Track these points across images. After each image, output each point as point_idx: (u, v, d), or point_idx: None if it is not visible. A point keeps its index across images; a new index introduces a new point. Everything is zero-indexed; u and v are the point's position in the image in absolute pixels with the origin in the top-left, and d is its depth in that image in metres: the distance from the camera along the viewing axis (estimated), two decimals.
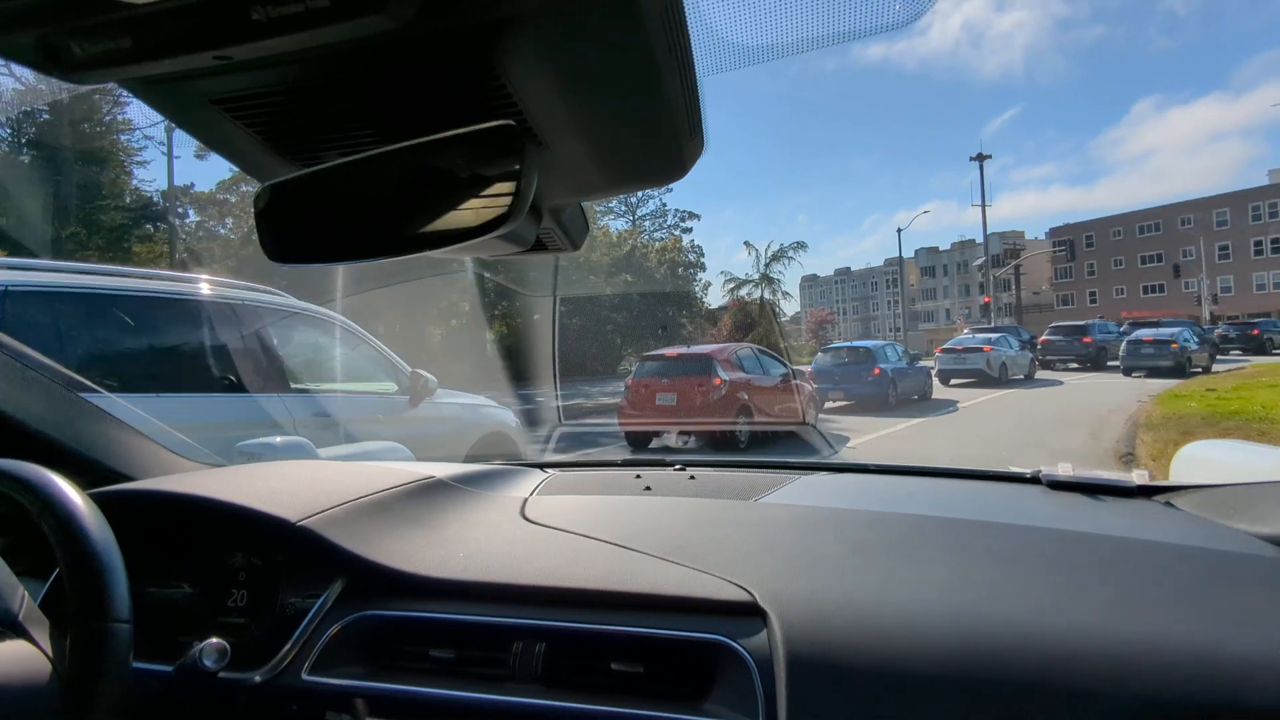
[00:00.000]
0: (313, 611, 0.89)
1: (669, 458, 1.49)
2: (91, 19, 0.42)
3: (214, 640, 0.79)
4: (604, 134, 0.54)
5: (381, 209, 0.54)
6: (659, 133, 0.54)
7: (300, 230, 0.57)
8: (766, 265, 41.17)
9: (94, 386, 1.24)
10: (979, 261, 42.00)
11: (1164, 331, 19.54)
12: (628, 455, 2.25)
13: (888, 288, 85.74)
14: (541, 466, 1.47)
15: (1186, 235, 52.45)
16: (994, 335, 18.72)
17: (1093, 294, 57.99)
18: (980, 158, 39.18)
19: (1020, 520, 0.97)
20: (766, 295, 41.55)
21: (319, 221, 0.57)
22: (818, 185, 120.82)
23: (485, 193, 0.50)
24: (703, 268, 44.22)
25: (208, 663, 0.77)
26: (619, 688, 0.76)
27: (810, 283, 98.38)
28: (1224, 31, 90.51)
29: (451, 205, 0.52)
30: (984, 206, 40.43)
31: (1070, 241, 35.95)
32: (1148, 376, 17.05)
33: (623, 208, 42.88)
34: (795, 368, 10.35)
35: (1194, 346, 18.67)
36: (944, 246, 78.41)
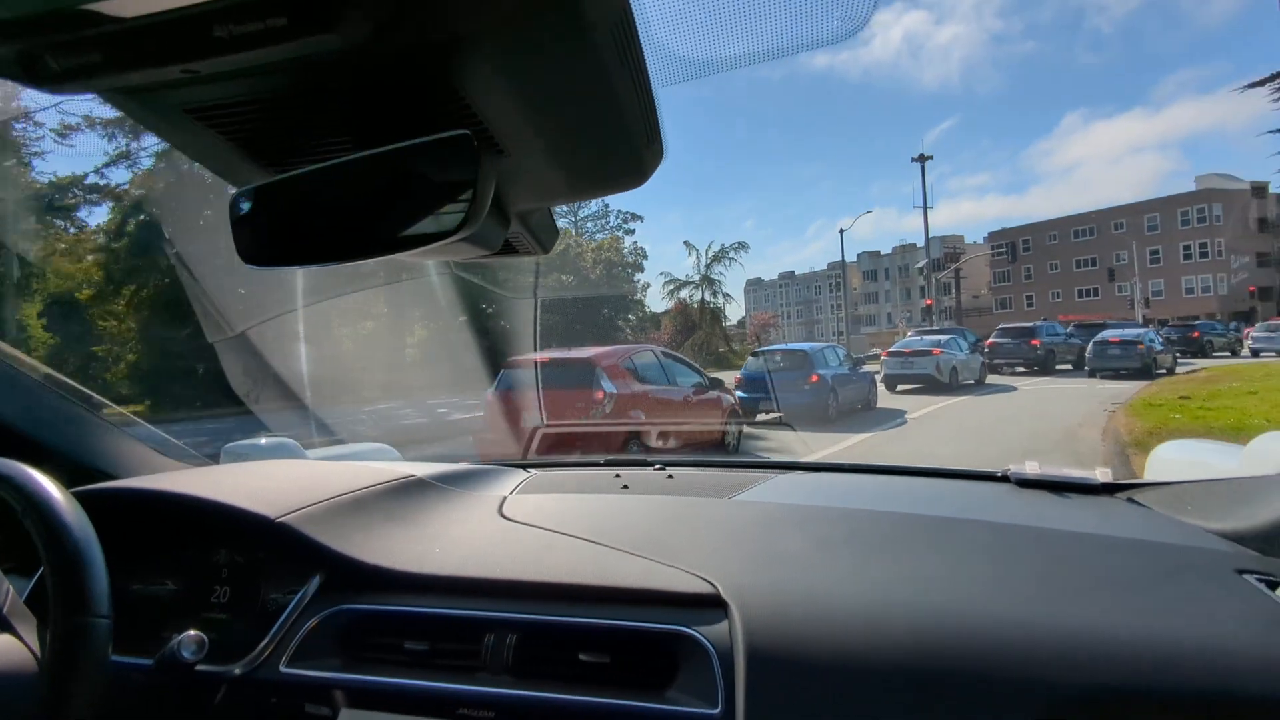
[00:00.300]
0: (291, 606, 0.91)
1: (650, 458, 1.52)
2: (66, 34, 0.45)
3: (192, 632, 0.79)
4: (563, 142, 0.56)
5: (350, 213, 0.56)
6: (617, 141, 0.56)
7: (273, 234, 0.58)
8: (707, 266, 39.67)
9: (78, 387, 1.24)
10: (920, 264, 41.51)
11: (1130, 332, 19.31)
12: (610, 455, 1.74)
13: (830, 291, 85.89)
14: (524, 466, 1.48)
15: (1119, 240, 53.09)
16: (943, 337, 17.39)
17: (1030, 297, 58.39)
18: (921, 158, 38.38)
19: (986, 517, 1.00)
20: (707, 297, 39.97)
21: (291, 225, 0.58)
22: (764, 191, 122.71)
23: (446, 199, 0.52)
24: (642, 269, 42.65)
25: (186, 654, 0.76)
26: (587, 677, 0.78)
27: (755, 286, 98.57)
28: (1145, 50, 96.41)
29: (415, 210, 0.54)
30: (925, 208, 39.61)
31: (1010, 244, 35.43)
32: (1113, 378, 16.71)
33: (564, 208, 42.05)
34: (713, 376, 8.31)
35: (1159, 348, 18.41)
36: (885, 250, 78.98)
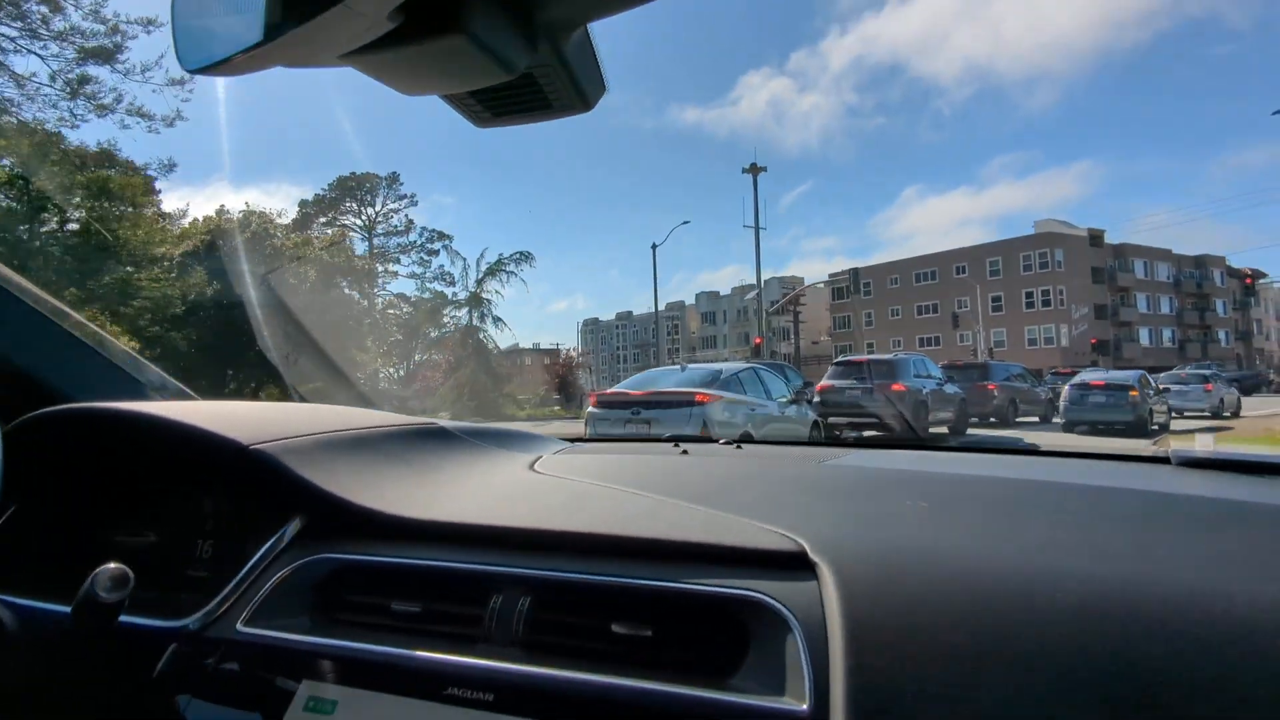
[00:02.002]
0: (260, 553, 0.77)
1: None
2: None
3: (111, 565, 0.65)
4: None
5: None
6: None
7: (214, 22, 0.46)
8: (479, 282, 29.84)
9: (79, 319, 1.09)
10: (750, 295, 35.47)
11: (1118, 376, 15.54)
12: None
13: (668, 334, 79.24)
14: (571, 440, 1.30)
15: (962, 284, 49.02)
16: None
17: (870, 345, 53.17)
18: (754, 169, 30.83)
19: (1139, 486, 0.85)
20: (475, 321, 29.84)
21: (234, 8, 0.44)
22: (629, 242, 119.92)
23: None
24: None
25: (102, 593, 0.63)
26: (621, 656, 0.60)
27: (592, 326, 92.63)
28: (976, 134, 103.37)
29: None
30: (756, 227, 31.87)
31: (855, 270, 28.30)
32: (1093, 434, 14.20)
33: (360, 222, 37.93)
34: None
35: (1152, 396, 15.04)
36: (725, 291, 73.51)
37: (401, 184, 41.95)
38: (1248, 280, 36.06)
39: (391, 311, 31.65)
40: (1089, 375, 15.98)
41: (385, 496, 0.81)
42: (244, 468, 0.81)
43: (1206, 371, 20.40)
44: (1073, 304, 46.44)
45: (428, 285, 38.79)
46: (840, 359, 13.42)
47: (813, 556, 0.61)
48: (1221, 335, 55.50)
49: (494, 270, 29.63)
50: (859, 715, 0.49)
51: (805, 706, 0.52)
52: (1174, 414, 16.92)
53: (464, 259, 33.72)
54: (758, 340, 34.64)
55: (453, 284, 43.45)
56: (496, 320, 30.27)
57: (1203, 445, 0.99)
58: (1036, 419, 17.25)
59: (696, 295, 76.41)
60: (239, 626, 0.72)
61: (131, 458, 0.91)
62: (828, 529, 0.65)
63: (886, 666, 0.51)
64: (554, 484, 0.88)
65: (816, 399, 11.68)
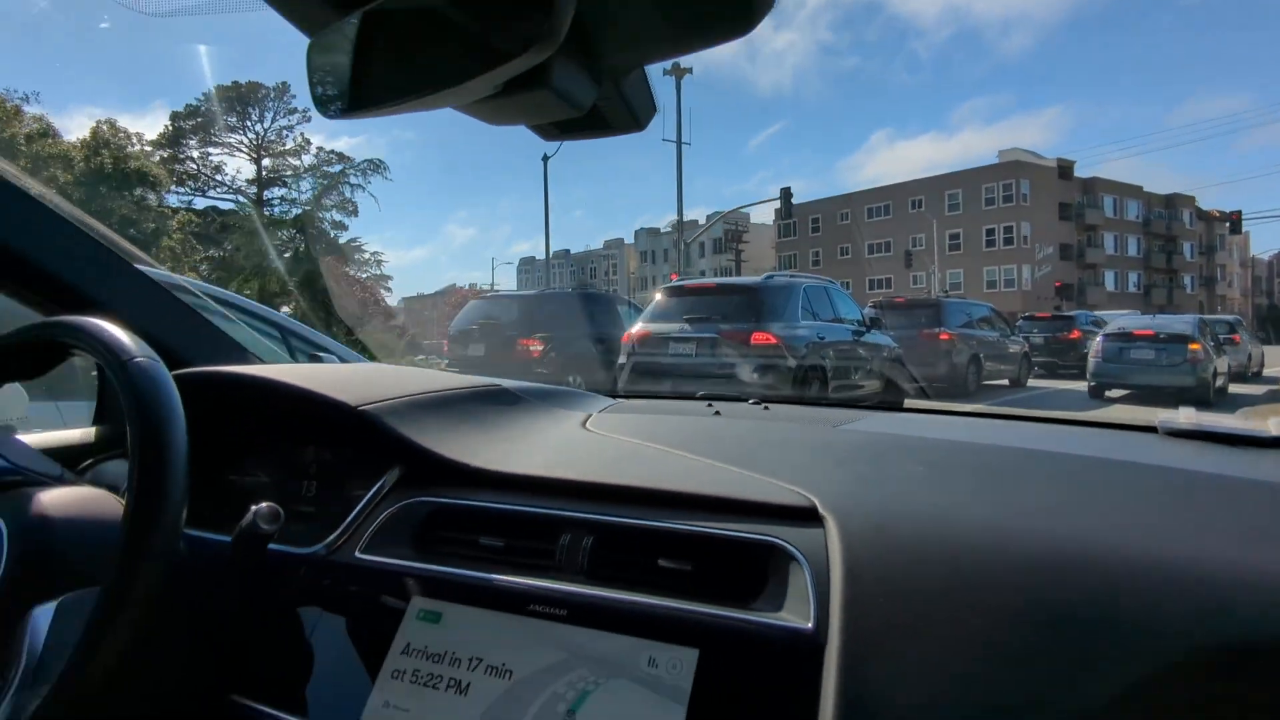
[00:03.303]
0: (368, 496, 0.91)
1: (745, 393, 1.42)
2: None
3: (265, 504, 0.77)
4: None
5: (427, 47, 0.53)
6: None
7: (345, 79, 0.56)
8: (315, 198, 23.58)
9: (185, 285, 1.33)
10: (668, 221, 30.15)
11: (1171, 322, 10.86)
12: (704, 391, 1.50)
13: (607, 274, 73.32)
14: (612, 394, 1.43)
15: (918, 220, 44.01)
16: None
17: None
18: (677, 70, 24.66)
19: (1127, 458, 0.89)
20: (308, 248, 23.59)
21: (363, 69, 0.55)
22: (592, 183, 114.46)
23: (521, 18, 0.47)
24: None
25: (262, 525, 0.76)
26: (665, 584, 0.73)
27: (528, 265, 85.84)
28: (949, 77, 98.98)
29: (487, 31, 0.50)
30: (679, 142, 25.91)
31: (786, 191, 22.69)
32: (1132, 400, 10.26)
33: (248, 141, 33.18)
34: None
35: (1212, 350, 10.38)
36: (665, 229, 67.56)
37: (294, 95, 35.40)
38: (1235, 217, 31.56)
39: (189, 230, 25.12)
40: (1128, 321, 11.20)
41: (467, 450, 0.92)
42: (352, 425, 0.93)
43: (1230, 319, 15.47)
44: (1037, 243, 41.83)
45: (325, 214, 33.49)
46: (669, 284, 7.88)
47: (821, 511, 0.72)
48: (1187, 281, 51.87)
49: (333, 183, 23.49)
50: (849, 633, 0.61)
51: (809, 625, 0.64)
52: None
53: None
54: (673, 276, 29.30)
55: (355, 213, 37.70)
56: (338, 244, 24.15)
57: (1186, 417, 1.02)
58: (1006, 382, 12.22)
59: (635, 232, 70.36)
60: (357, 554, 0.85)
61: (252, 413, 1.04)
62: (835, 488, 0.76)
63: (874, 599, 0.62)
64: (606, 442, 1.01)
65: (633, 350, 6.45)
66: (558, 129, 0.63)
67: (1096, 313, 17.47)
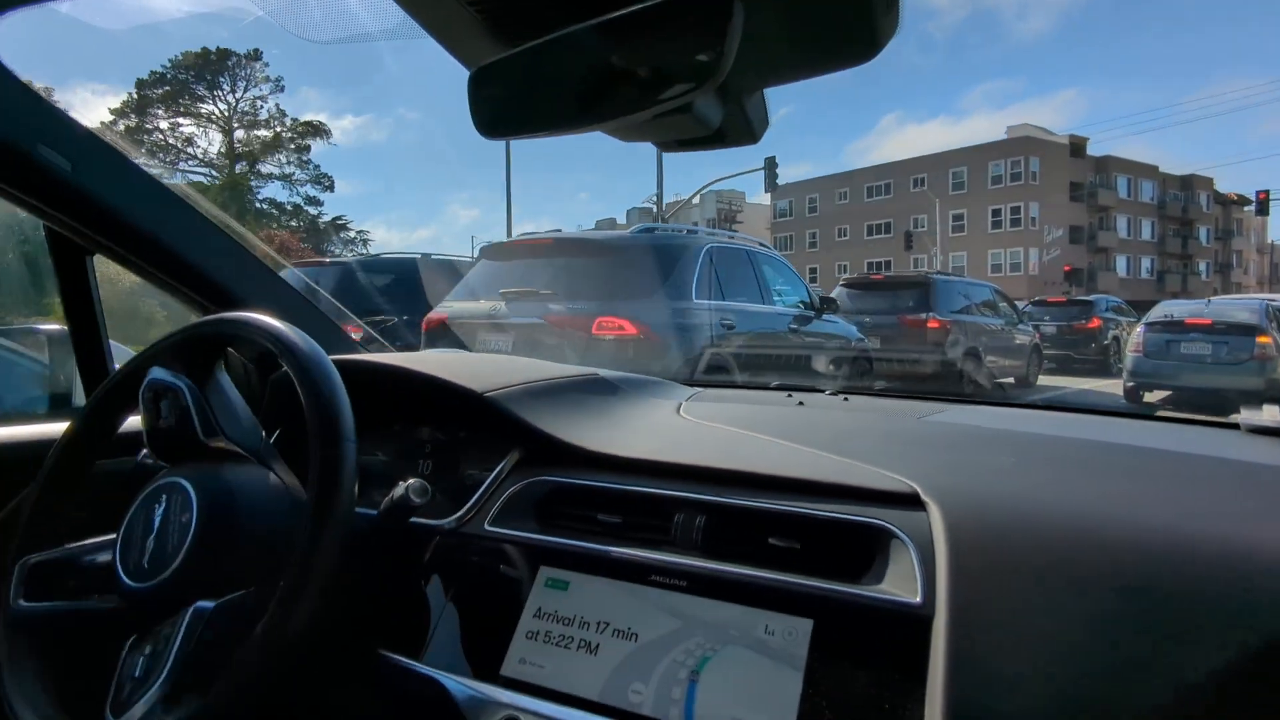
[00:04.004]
0: (494, 474, 0.97)
1: (822, 384, 1.46)
2: None
3: (415, 479, 0.82)
4: (796, 1, 0.54)
5: (585, 79, 0.58)
6: (851, 4, 0.53)
7: (510, 105, 0.62)
8: (250, 166, 21.22)
9: (308, 280, 1.57)
10: (647, 200, 28.23)
11: (1230, 308, 8.50)
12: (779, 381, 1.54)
13: None
14: (690, 384, 1.46)
15: (920, 200, 41.40)
16: None
17: (814, 270, 45.76)
18: None
19: (1211, 453, 0.94)
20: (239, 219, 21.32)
21: (525, 96, 0.61)
22: (603, 168, 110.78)
23: (689, 53, 0.52)
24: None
25: (414, 498, 0.81)
26: (777, 560, 0.77)
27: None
28: (963, 60, 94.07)
29: (652, 70, 0.55)
30: None
31: (771, 160, 20.21)
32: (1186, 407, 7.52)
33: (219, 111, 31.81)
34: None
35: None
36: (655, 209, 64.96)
37: (266, 64, 33.08)
38: (1262, 196, 29.05)
39: None
40: (1177, 307, 8.73)
41: (580, 434, 0.98)
42: (477, 409, 1.00)
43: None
44: (1047, 224, 39.31)
45: (299, 189, 31.30)
46: (491, 244, 5.67)
47: (924, 497, 0.76)
48: (1202, 267, 49.28)
49: (267, 148, 21.19)
50: (957, 607, 0.64)
51: (918, 599, 0.67)
52: None
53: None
54: None
55: (331, 188, 35.40)
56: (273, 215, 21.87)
57: (1270, 414, 1.04)
58: (1012, 380, 9.95)
59: (627, 212, 67.78)
60: (486, 526, 0.90)
61: (378, 397, 1.05)
62: (935, 476, 0.79)
63: (978, 577, 0.66)
64: (705, 429, 1.05)
65: None
66: (678, 144, 0.66)
67: (1115, 298, 15.06)
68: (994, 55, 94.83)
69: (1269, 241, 58.90)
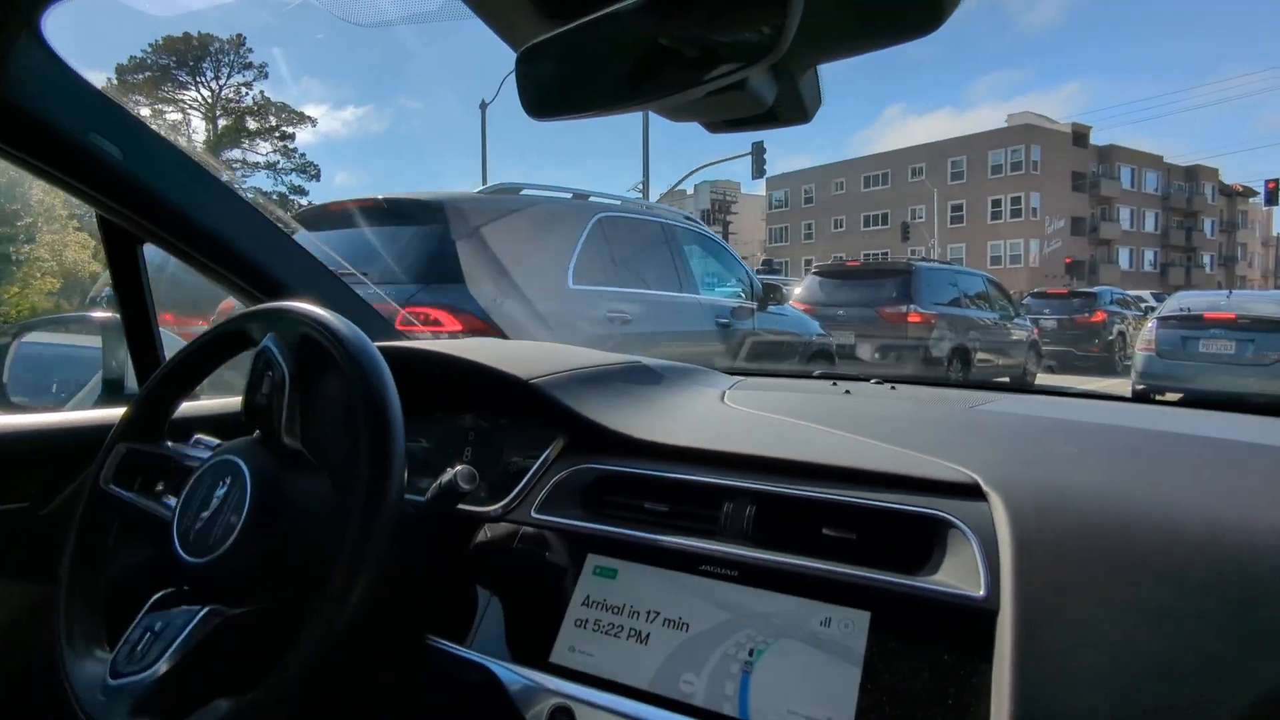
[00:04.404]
0: (539, 461, 0.96)
1: (867, 373, 1.43)
2: None
3: (463, 466, 0.82)
4: None
5: (635, 57, 0.56)
6: None
7: (555, 86, 0.60)
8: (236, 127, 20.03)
9: (353, 271, 1.54)
10: (633, 187, 27.19)
11: (1254, 302, 7.38)
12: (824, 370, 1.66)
13: None
14: (730, 373, 1.41)
15: (918, 190, 40.30)
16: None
17: (809, 261, 44.64)
18: None
19: (1275, 442, 0.89)
20: None
21: (574, 76, 0.59)
22: (609, 156, 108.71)
23: (746, 27, 0.49)
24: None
25: (462, 484, 0.81)
26: (830, 551, 0.75)
27: None
28: (969, 50, 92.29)
29: (707, 46, 0.52)
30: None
31: (758, 145, 19.11)
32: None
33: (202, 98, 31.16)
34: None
35: None
36: (654, 199, 63.78)
37: (250, 50, 31.98)
38: (1271, 185, 27.92)
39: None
40: (1195, 300, 7.56)
41: (625, 422, 0.96)
42: (522, 396, 0.99)
43: None
44: (1048, 215, 38.19)
45: (283, 178, 30.32)
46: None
47: (985, 488, 0.73)
48: (1206, 260, 48.16)
49: (250, 135, 19.98)
50: (1023, 601, 0.62)
51: (982, 593, 0.65)
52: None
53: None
54: None
55: (317, 177, 34.33)
56: None
57: None
58: (1007, 380, 8.91)
59: (622, 202, 66.56)
60: (532, 513, 0.89)
61: (421, 383, 1.03)
62: (996, 467, 0.76)
63: (1045, 570, 0.63)
64: (753, 416, 1.03)
65: None
66: (728, 124, 0.64)
67: (1120, 290, 13.97)
68: (1000, 46, 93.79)
69: (1274, 235, 57.78)
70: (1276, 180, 27.77)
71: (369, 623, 0.69)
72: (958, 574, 0.68)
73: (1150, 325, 7.58)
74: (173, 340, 1.24)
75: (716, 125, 0.65)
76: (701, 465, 0.87)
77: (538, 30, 0.58)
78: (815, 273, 8.39)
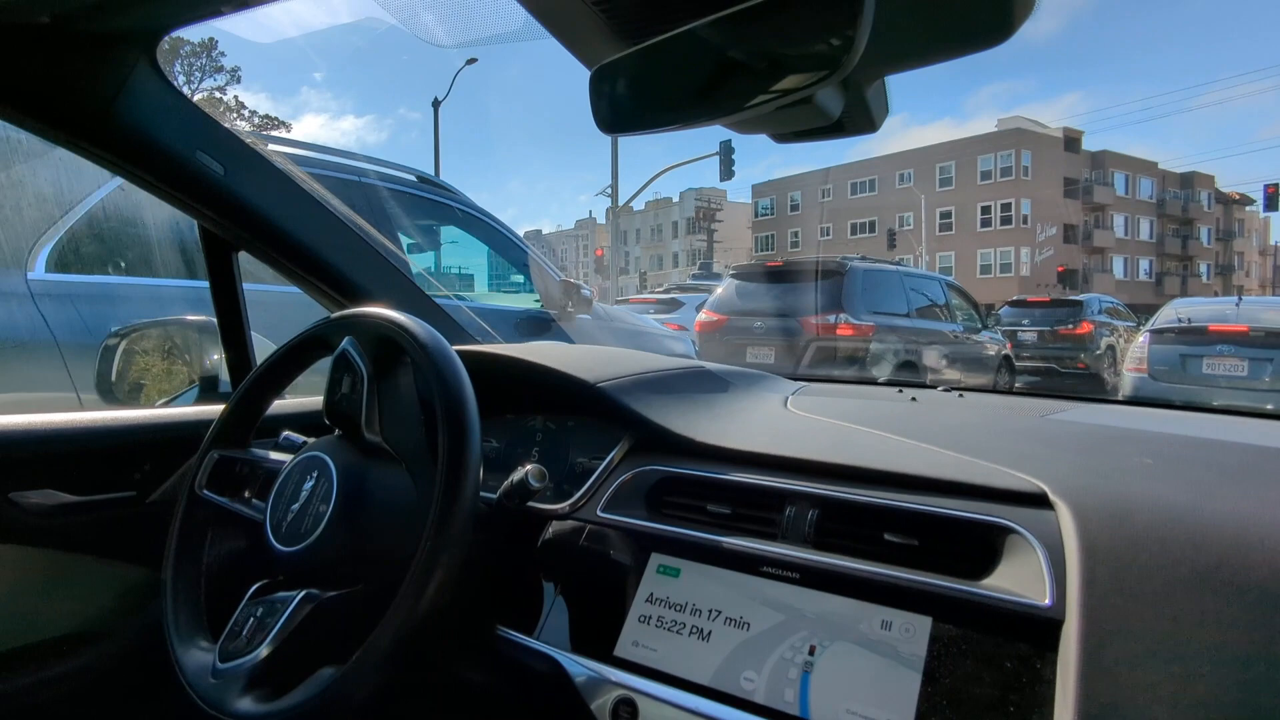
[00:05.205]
0: (605, 461, 0.98)
1: (931, 379, 0.86)
2: None
3: (533, 465, 0.84)
4: None
5: (706, 73, 0.57)
6: None
7: (633, 102, 0.62)
8: None
9: (435, 284, 1.56)
10: (600, 191, 25.58)
11: (1266, 311, 5.83)
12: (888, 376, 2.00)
13: (579, 254, 68.72)
14: (794, 378, 1.42)
15: (905, 198, 39.00)
16: None
17: None
18: None
19: None
20: None
21: (646, 93, 0.60)
22: (596, 166, 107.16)
23: (814, 46, 0.50)
24: None
25: (533, 482, 0.83)
26: (892, 556, 0.75)
27: None
28: (971, 59, 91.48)
29: (776, 62, 0.53)
30: None
31: (726, 145, 17.71)
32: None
33: None
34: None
35: None
36: (638, 207, 62.36)
37: (223, 54, 30.73)
38: (1271, 190, 26.62)
39: None
40: (1197, 309, 6.35)
41: (689, 425, 0.97)
42: (589, 399, 1.01)
43: None
44: (1039, 222, 36.85)
45: None
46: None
47: (1053, 498, 0.72)
48: (1203, 269, 46.85)
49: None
50: (1089, 611, 0.61)
51: (1048, 601, 0.64)
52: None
53: None
54: (599, 251, 24.55)
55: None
56: None
57: None
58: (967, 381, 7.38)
59: (606, 210, 65.58)
60: (599, 512, 0.91)
61: (492, 386, 1.03)
62: (1064, 477, 0.75)
63: (1115, 581, 0.62)
64: (816, 422, 1.02)
65: None
66: (795, 135, 0.64)
67: (1110, 298, 12.48)
68: (1001, 55, 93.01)
69: (1272, 243, 56.56)
70: (1276, 185, 26.47)
71: (446, 610, 0.71)
72: (1023, 582, 0.67)
73: (1141, 339, 6.14)
74: (263, 343, 1.32)
75: (784, 136, 0.65)
76: (764, 469, 0.88)
77: (610, 50, 0.59)
78: (733, 274, 6.97)
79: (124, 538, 1.11)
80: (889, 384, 1.40)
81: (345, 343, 0.85)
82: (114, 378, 1.69)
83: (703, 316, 6.96)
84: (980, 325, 7.77)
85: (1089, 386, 9.68)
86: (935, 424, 1.00)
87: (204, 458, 0.94)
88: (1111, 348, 10.49)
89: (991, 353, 7.76)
